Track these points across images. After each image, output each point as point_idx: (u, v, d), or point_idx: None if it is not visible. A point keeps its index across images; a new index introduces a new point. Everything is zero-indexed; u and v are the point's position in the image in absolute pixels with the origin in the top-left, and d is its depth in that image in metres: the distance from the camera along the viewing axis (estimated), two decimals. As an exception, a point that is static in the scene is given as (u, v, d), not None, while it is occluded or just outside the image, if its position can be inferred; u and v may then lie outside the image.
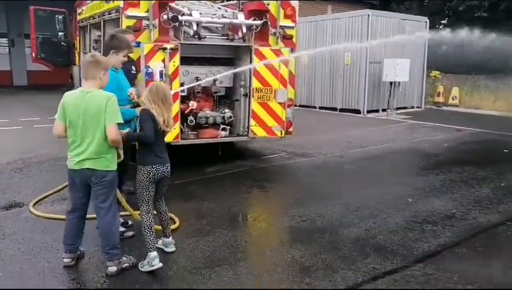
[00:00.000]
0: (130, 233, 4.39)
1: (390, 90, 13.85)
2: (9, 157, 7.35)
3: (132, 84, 4.93)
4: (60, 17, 12.29)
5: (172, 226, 4.45)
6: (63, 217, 4.33)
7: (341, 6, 19.85)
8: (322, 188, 6.19)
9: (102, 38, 7.42)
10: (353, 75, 14.05)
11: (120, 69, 4.36)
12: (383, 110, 14.17)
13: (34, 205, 5.12)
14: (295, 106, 14.91)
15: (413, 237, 4.49)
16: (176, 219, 4.69)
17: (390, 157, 8.28)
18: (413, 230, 4.68)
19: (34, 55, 12.13)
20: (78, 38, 10.19)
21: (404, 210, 5.30)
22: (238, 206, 5.39)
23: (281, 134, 7.04)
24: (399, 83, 13.74)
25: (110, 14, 6.74)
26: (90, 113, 3.43)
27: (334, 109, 14.55)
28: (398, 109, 14.25)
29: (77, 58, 10.44)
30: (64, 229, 3.73)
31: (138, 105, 4.18)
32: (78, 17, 9.88)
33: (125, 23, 6.03)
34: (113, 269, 3.60)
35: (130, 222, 4.60)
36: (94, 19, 7.94)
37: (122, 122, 3.59)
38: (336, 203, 5.46)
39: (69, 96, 3.53)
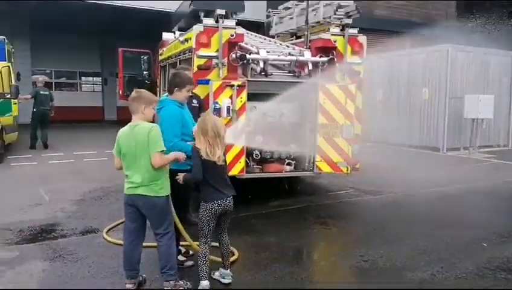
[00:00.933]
0: (190, 263, 4.52)
1: (472, 128, 13.08)
2: (91, 186, 7.96)
3: (196, 118, 5.19)
4: (145, 57, 13.31)
5: (231, 258, 4.52)
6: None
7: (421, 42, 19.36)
8: (388, 227, 5.94)
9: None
10: (432, 111, 13.51)
11: (185, 105, 4.61)
12: (465, 148, 13.38)
13: (108, 231, 5.47)
14: (369, 142, 14.79)
15: (483, 285, 4.14)
16: (235, 251, 4.74)
17: (468, 199, 7.74)
18: (485, 277, 4.32)
19: (121, 92, 13.15)
20: (159, 76, 10.94)
21: (477, 256, 4.92)
22: (298, 242, 5.34)
23: (347, 170, 6.91)
24: (482, 120, 12.95)
25: (184, 54, 7.19)
26: (138, 144, 3.74)
27: (411, 146, 13.99)
28: (481, 147, 13.39)
29: (158, 95, 11.17)
30: (122, 255, 3.94)
31: None
32: (160, 58, 10.62)
33: (196, 62, 6.40)
34: (167, 288, 3.77)
35: (191, 252, 4.74)
36: (171, 58, 8.51)
37: (164, 149, 3.79)
38: (402, 245, 5.22)
39: (121, 132, 3.88)
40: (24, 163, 10.55)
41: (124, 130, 3.87)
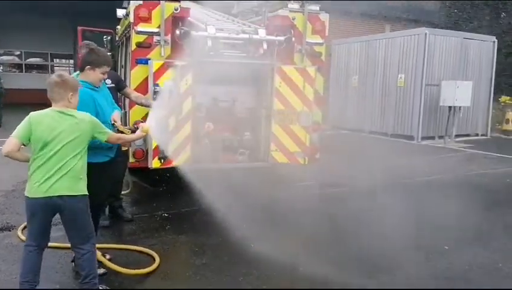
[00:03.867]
0: (102, 270, 3.89)
1: (448, 116, 12.61)
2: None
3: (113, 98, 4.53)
4: (108, 37, 12.49)
5: (152, 267, 3.94)
6: (55, 244, 4.01)
7: (401, 27, 18.80)
8: (347, 225, 5.34)
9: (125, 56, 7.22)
10: (407, 98, 13.00)
11: (101, 87, 3.93)
12: (440, 137, 12.92)
13: (24, 228, 4.81)
14: (344, 129, 14.27)
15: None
16: (156, 257, 4.13)
17: (435, 193, 7.21)
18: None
19: (78, 71, 12.35)
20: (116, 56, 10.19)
21: (434, 261, 4.38)
22: (239, 244, 4.72)
23: (304, 161, 6.33)
24: (459, 107, 12.48)
25: (128, 30, 6.48)
26: (67, 133, 3.23)
27: (385, 134, 13.52)
28: (458, 136, 12.95)
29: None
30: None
31: (121, 133, 3.70)
32: (116, 37, 9.88)
33: (135, 39, 5.69)
34: None
35: (107, 256, 4.13)
36: (121, 37, 7.80)
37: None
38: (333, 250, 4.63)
39: (39, 115, 3.25)
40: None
41: (46, 115, 3.20)
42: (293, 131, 6.23)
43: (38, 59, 24.85)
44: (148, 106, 5.31)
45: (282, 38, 6.07)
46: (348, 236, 5.01)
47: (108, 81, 4.88)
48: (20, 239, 4.53)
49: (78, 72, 3.87)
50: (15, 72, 23.91)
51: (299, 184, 7.10)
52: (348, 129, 14.56)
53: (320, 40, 6.42)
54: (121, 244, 4.45)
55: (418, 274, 4.05)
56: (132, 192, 6.40)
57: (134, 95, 5.17)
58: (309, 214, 5.78)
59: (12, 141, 3.10)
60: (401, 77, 13.07)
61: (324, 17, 6.41)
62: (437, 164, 9.73)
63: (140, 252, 4.29)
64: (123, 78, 6.42)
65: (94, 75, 3.78)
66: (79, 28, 12.35)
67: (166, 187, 6.75)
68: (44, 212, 3.18)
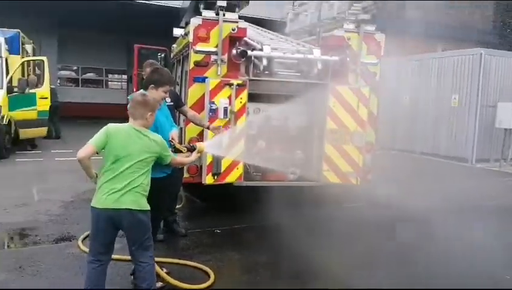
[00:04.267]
0: (159, 284, 3.96)
1: (504, 138, 12.08)
2: (88, 186, 7.43)
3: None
4: (162, 55, 12.91)
5: (207, 283, 3.98)
6: (116, 257, 4.07)
7: (453, 47, 18.32)
8: (396, 249, 5.20)
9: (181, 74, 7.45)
10: (461, 118, 12.58)
11: (162, 105, 4.06)
12: (496, 160, 12.37)
13: (85, 239, 5.00)
14: (393, 149, 13.96)
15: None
16: (211, 273, 4.16)
17: (492, 220, 6.85)
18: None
19: (134, 90, 12.79)
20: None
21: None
22: (291, 262, 4.68)
23: (357, 181, 6.24)
24: (516, 130, 11.94)
25: (186, 49, 6.68)
26: (139, 151, 3.35)
27: (437, 156, 13.09)
28: (515, 160, 12.36)
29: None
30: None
31: (178, 151, 3.80)
32: (172, 54, 10.20)
33: (193, 58, 5.87)
34: None
35: (164, 270, 4.20)
36: (178, 55, 8.04)
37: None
38: (384, 274, 4.49)
39: (117, 128, 3.37)
40: (29, 159, 10.32)
41: (124, 130, 3.33)
42: (346, 151, 6.18)
43: (93, 74, 25.97)
44: (202, 126, 5.44)
45: (337, 58, 6.07)
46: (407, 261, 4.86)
47: (168, 99, 5.02)
48: (81, 249, 4.70)
49: (141, 91, 4.00)
50: (71, 86, 25.08)
51: (353, 205, 7.00)
52: (398, 150, 14.22)
53: (375, 60, 6.38)
54: (176, 259, 4.51)
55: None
56: (185, 207, 6.51)
57: (190, 114, 5.30)
58: (367, 236, 5.67)
59: (89, 147, 3.19)
60: (454, 98, 12.68)
61: (380, 37, 6.37)
62: (494, 188, 9.29)
63: (196, 267, 4.33)
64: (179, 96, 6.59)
65: (157, 94, 3.91)
66: (135, 45, 12.84)
67: (216, 203, 6.82)
68: (110, 224, 3.25)
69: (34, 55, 13.46)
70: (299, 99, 6.61)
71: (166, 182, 3.85)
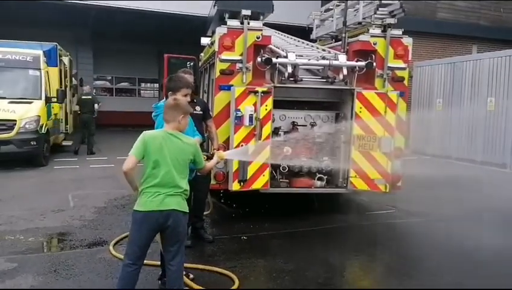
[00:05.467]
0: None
1: (546, 142, 11.58)
2: (120, 193, 7.68)
3: (199, 125, 4.77)
4: (191, 63, 13.15)
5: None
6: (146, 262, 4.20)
7: (490, 47, 17.74)
8: (429, 258, 5.06)
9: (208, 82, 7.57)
10: (498, 122, 12.16)
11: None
12: (537, 165, 11.88)
13: (115, 244, 5.15)
14: (426, 154, 13.65)
15: None
16: (235, 279, 4.20)
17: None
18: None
19: (165, 98, 13.06)
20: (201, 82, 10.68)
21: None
22: (318, 271, 4.66)
23: (385, 188, 6.15)
24: (558, 133, 11.43)
25: (212, 58, 6.80)
26: (177, 156, 3.46)
27: (473, 161, 12.70)
28: (557, 164, 11.82)
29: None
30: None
31: (209, 157, 3.93)
32: (200, 63, 10.38)
33: (219, 66, 5.97)
34: None
35: (191, 275, 4.28)
36: (205, 64, 8.19)
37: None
38: (442, 281, 4.40)
39: (152, 136, 3.50)
40: (67, 166, 10.70)
41: (158, 135, 3.46)
42: (373, 157, 6.11)
43: (126, 83, 26.66)
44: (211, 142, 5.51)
45: (362, 63, 6.04)
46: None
47: (198, 108, 5.14)
48: (112, 254, 4.84)
49: (164, 99, 4.12)
50: (106, 95, 25.81)
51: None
52: (431, 155, 13.88)
53: (402, 65, 6.30)
54: (202, 265, 4.58)
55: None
56: (213, 213, 6.59)
57: (211, 130, 5.42)
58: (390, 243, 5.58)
59: (131, 159, 3.31)
60: (491, 101, 12.29)
61: (407, 41, 6.29)
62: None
63: (221, 273, 4.38)
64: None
65: None
66: (165, 55, 13.14)
67: (243, 210, 6.87)
68: (153, 225, 3.33)
69: (70, 66, 14.00)
70: (325, 105, 6.65)
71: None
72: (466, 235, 6.04)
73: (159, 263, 4.03)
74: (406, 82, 6.36)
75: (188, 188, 3.49)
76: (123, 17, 17.58)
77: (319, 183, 6.33)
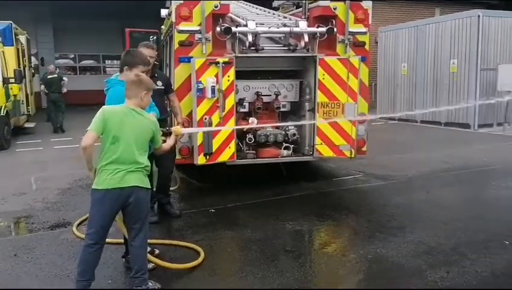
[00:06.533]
0: (151, 265, 3.99)
1: (507, 102, 11.89)
2: (83, 174, 7.51)
3: (160, 101, 4.65)
4: (154, 37, 12.78)
5: (196, 261, 4.00)
6: (109, 240, 4.11)
7: (453, 9, 17.89)
8: (394, 219, 5.18)
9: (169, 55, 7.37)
10: (460, 84, 12.41)
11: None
12: (499, 124, 12.24)
13: (79, 225, 5.04)
14: (394, 119, 13.88)
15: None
16: (201, 251, 4.19)
17: (493, 185, 6.84)
18: (503, 285, 3.59)
19: (119, 72, 12.74)
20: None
21: (495, 256, 4.14)
22: (286, 238, 4.71)
23: (351, 154, 6.20)
24: (519, 92, 11.74)
25: (170, 30, 6.60)
26: (138, 132, 3.39)
27: (438, 123, 12.98)
28: (518, 122, 12.21)
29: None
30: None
31: (166, 134, 3.80)
32: (161, 37, 10.09)
33: (177, 38, 5.80)
34: None
35: (156, 251, 4.23)
36: (165, 36, 7.96)
37: None
38: (405, 241, 4.50)
39: (112, 111, 3.39)
40: (29, 149, 10.38)
41: (119, 110, 3.33)
42: (338, 124, 6.11)
43: (91, 61, 25.84)
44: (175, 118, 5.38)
45: (323, 29, 5.97)
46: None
47: (159, 83, 5.00)
48: (76, 235, 4.74)
49: (118, 73, 3.96)
50: (70, 74, 24.99)
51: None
52: (398, 119, 14.13)
53: (363, 29, 6.26)
54: (168, 240, 4.54)
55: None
56: (180, 188, 6.53)
57: (173, 104, 5.29)
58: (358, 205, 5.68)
59: (90, 135, 3.19)
60: (453, 62, 12.49)
61: (367, 4, 6.24)
62: (497, 152, 9.22)
63: (186, 247, 4.36)
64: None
65: (131, 75, 3.87)
66: (126, 29, 12.73)
67: (212, 183, 6.84)
68: (114, 203, 3.25)
69: (28, 45, 13.42)
70: (287, 74, 6.58)
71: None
72: (429, 194, 6.23)
73: (121, 240, 3.96)
74: (367, 47, 6.33)
75: (148, 164, 3.41)
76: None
77: (285, 152, 6.32)
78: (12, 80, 10.67)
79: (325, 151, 6.21)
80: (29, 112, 13.35)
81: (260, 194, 6.14)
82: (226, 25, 5.75)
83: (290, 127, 6.40)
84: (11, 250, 4.41)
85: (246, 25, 5.83)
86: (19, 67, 11.83)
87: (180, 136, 4.05)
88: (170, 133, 3.87)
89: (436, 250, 4.29)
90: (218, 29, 5.78)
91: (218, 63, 5.68)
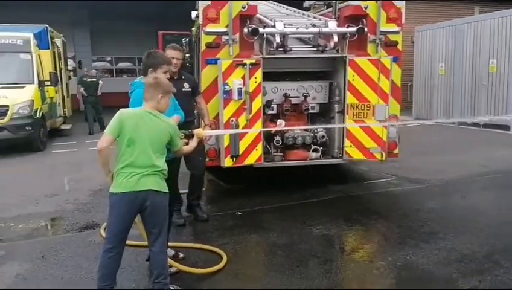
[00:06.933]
0: (174, 269, 3.97)
1: (551, 102, 11.32)
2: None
3: (187, 103, 4.63)
4: (186, 40, 12.90)
5: (218, 266, 3.95)
6: (134, 243, 4.18)
7: (493, 8, 17.19)
8: (427, 225, 4.97)
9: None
10: (500, 84, 11.88)
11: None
12: (542, 126, 11.64)
13: (106, 227, 5.08)
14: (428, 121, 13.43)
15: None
16: (223, 255, 4.13)
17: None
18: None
19: (143, 76, 12.91)
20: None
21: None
22: (312, 243, 4.57)
23: (382, 157, 6.00)
24: None
25: (198, 32, 6.59)
26: (155, 136, 3.35)
27: (477, 125, 12.47)
28: None
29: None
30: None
31: (187, 136, 3.72)
32: (193, 38, 10.15)
33: (204, 39, 5.78)
34: None
35: (180, 255, 4.21)
36: (195, 38, 7.98)
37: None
38: (436, 248, 4.31)
39: (129, 113, 3.38)
40: (65, 150, 10.65)
41: (135, 113, 3.33)
42: (368, 126, 5.94)
43: (127, 64, 26.40)
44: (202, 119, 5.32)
45: (353, 29, 5.81)
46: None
47: (186, 85, 4.98)
48: (103, 237, 4.76)
49: (142, 76, 3.94)
50: (107, 76, 25.60)
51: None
52: (435, 121, 13.68)
53: (396, 29, 6.06)
54: (193, 243, 4.52)
55: None
56: (208, 190, 6.51)
57: (200, 107, 5.24)
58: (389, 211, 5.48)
59: (106, 138, 3.19)
60: (492, 62, 11.97)
61: (400, 3, 6.03)
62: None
63: (210, 251, 4.31)
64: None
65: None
66: (159, 32, 12.92)
67: (240, 185, 6.79)
68: (131, 207, 3.20)
69: (64, 49, 13.80)
70: (317, 75, 6.46)
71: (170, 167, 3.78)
72: (464, 198, 5.96)
73: (146, 243, 3.95)
74: (400, 46, 6.12)
75: (166, 167, 3.35)
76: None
77: (314, 155, 6.19)
78: (48, 83, 10.97)
79: (355, 154, 6.05)
80: (65, 114, 13.73)
81: (288, 197, 6.04)
82: (253, 26, 5.68)
83: (318, 129, 6.27)
84: (38, 252, 4.47)
85: (273, 26, 5.74)
86: (55, 70, 12.17)
87: (206, 138, 3.98)
88: (193, 136, 3.83)
89: (469, 258, 4.08)
90: (245, 30, 5.72)
91: (245, 64, 5.62)
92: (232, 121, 5.66)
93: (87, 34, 22.60)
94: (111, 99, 21.05)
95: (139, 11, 20.06)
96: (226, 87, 5.61)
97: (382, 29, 5.97)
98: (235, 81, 5.60)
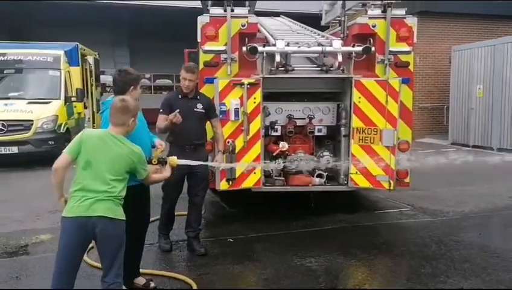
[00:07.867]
0: None
1: None
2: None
3: (198, 124, 4.65)
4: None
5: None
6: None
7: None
8: (429, 265, 4.44)
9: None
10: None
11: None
12: None
13: (90, 249, 4.92)
14: (467, 146, 12.67)
15: None
16: (193, 285, 3.86)
17: None
18: None
19: (113, 95, 13.01)
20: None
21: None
22: (295, 278, 4.21)
23: (389, 186, 5.55)
24: None
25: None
26: (115, 159, 3.20)
27: (517, 152, 11.59)
28: None
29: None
30: None
31: (149, 162, 3.49)
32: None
33: (202, 58, 5.62)
34: None
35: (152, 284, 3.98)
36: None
37: None
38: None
39: (90, 135, 3.25)
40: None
41: (96, 135, 3.20)
42: (375, 151, 5.53)
43: (165, 80, 26.99)
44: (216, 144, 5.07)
45: (359, 48, 5.46)
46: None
47: (200, 106, 4.80)
48: (84, 260, 4.62)
49: (113, 95, 3.77)
50: (146, 93, 26.20)
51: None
52: (472, 146, 12.89)
53: (407, 48, 5.65)
54: (162, 271, 4.30)
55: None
56: (208, 213, 6.29)
57: (216, 131, 5.00)
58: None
59: (63, 156, 3.09)
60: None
61: (412, 21, 5.63)
62: None
63: (183, 281, 4.06)
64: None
65: (137, 93, 3.70)
66: (185, 50, 12.97)
67: (242, 209, 6.51)
68: (81, 233, 3.00)
69: (96, 66, 14.16)
70: (322, 96, 6.14)
71: (138, 191, 3.56)
72: (481, 236, 5.39)
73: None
74: (411, 67, 5.69)
75: (123, 193, 3.14)
76: (158, 14, 17.73)
77: (318, 180, 5.82)
78: (74, 99, 11.20)
79: (361, 182, 5.63)
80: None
81: (287, 225, 5.70)
82: (253, 44, 5.46)
83: (324, 153, 5.93)
84: (14, 271, 4.39)
85: (274, 44, 5.50)
86: (86, 86, 12.46)
87: (176, 167, 3.73)
88: (166, 163, 3.62)
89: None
90: (244, 48, 5.51)
91: (242, 84, 5.40)
92: (229, 142, 5.42)
93: (127, 52, 23.32)
94: (149, 115, 21.57)
95: (175, 29, 20.50)
96: (222, 107, 5.40)
97: (391, 48, 5.57)
98: (232, 102, 5.39)
